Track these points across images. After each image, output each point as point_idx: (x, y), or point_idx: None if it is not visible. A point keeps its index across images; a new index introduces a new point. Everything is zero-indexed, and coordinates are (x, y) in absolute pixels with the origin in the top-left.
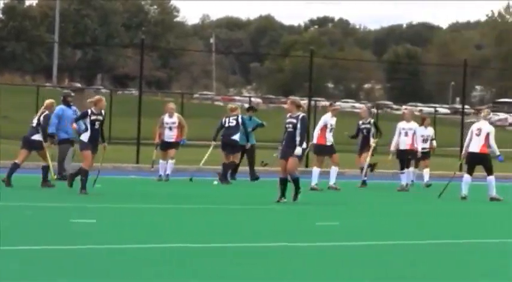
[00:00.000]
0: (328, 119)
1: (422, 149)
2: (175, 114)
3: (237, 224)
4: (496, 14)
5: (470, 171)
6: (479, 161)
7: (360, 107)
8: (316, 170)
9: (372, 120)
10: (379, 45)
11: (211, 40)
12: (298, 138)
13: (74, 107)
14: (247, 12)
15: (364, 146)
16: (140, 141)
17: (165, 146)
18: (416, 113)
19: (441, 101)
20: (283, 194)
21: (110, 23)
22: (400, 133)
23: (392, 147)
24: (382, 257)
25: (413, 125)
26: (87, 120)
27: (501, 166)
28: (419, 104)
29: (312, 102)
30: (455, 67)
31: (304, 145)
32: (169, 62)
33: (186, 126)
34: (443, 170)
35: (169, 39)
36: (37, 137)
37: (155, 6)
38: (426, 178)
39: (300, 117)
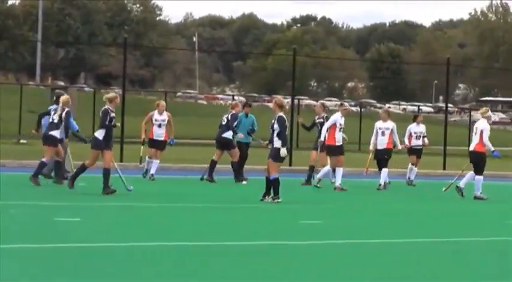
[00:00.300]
0: (338, 118)
1: (416, 146)
2: (165, 112)
3: (216, 222)
4: (479, 13)
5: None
6: (473, 159)
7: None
8: (339, 170)
9: (326, 115)
10: (361, 44)
11: (194, 39)
12: (278, 140)
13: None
14: (230, 10)
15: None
16: (124, 140)
17: (155, 144)
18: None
19: (424, 99)
20: (267, 193)
21: (92, 21)
22: (377, 133)
23: (371, 147)
24: (365, 255)
25: (390, 124)
26: (107, 118)
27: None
28: (402, 103)
29: (296, 101)
30: (439, 66)
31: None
32: (153, 61)
33: (172, 125)
34: (427, 168)
35: (152, 37)
36: (55, 133)
37: (138, 5)
38: (412, 176)
39: (277, 117)
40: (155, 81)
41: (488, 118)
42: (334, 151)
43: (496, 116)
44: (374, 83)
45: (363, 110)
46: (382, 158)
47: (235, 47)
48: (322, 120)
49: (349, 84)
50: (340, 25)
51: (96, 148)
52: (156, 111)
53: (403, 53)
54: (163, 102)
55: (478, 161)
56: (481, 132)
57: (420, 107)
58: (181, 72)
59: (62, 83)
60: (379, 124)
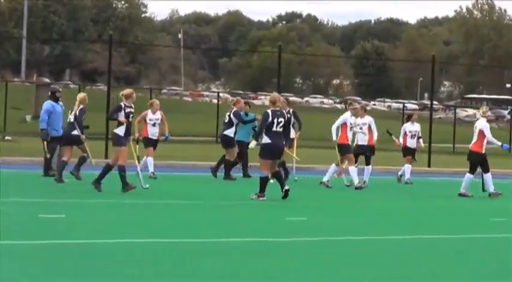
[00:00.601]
0: (348, 117)
1: (410, 145)
2: (159, 111)
3: (203, 220)
4: (464, 10)
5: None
6: (468, 158)
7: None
8: (353, 169)
9: (292, 110)
10: (347, 41)
11: (180, 36)
12: (265, 136)
13: (60, 103)
14: (216, 8)
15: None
16: (109, 137)
17: (151, 143)
18: (384, 109)
19: (409, 96)
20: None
21: (78, 18)
22: (356, 128)
23: (359, 142)
24: (357, 253)
25: (367, 119)
26: (122, 114)
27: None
28: (387, 100)
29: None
30: (424, 63)
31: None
32: (138, 58)
33: (166, 123)
34: (412, 166)
35: (137, 34)
36: (76, 132)
37: (123, 2)
38: (407, 175)
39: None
40: (140, 78)
41: (487, 117)
42: (346, 150)
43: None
44: (359, 80)
45: (365, 103)
46: (363, 154)
47: (221, 44)
48: (288, 115)
49: (334, 82)
50: (325, 22)
51: (122, 145)
52: (149, 111)
53: (388, 50)
54: (157, 101)
55: (472, 161)
56: (479, 132)
57: (405, 104)
58: (167, 69)
59: (47, 80)
60: (357, 120)
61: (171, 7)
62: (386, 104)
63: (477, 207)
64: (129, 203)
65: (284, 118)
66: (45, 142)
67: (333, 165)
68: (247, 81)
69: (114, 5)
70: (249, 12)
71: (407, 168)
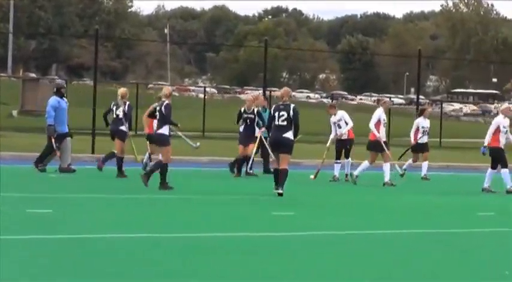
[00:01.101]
0: (381, 113)
1: (423, 140)
2: None
3: (188, 215)
4: (450, 4)
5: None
6: (490, 154)
7: (315, 97)
8: (387, 166)
9: (256, 109)
10: (333, 36)
11: (166, 30)
12: None
13: (65, 99)
14: (202, 3)
15: (249, 136)
16: (95, 131)
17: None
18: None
19: (396, 91)
20: (277, 184)
21: (64, 13)
22: (334, 126)
23: (332, 136)
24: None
25: (340, 114)
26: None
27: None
28: (374, 94)
29: (267, 92)
30: (410, 57)
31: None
32: (124, 53)
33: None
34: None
35: (124, 29)
36: (123, 127)
37: None
38: (424, 171)
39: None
40: (127, 73)
41: (506, 114)
42: (378, 147)
43: (468, 108)
44: (345, 75)
45: (334, 101)
46: (343, 148)
47: (207, 39)
48: (252, 116)
49: (321, 76)
50: (311, 17)
51: (167, 144)
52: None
53: (375, 44)
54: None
55: (493, 156)
56: (494, 126)
57: (391, 99)
58: (153, 64)
59: (33, 75)
60: (332, 119)
61: (157, 2)
62: (373, 99)
63: (463, 203)
64: (112, 197)
65: (287, 112)
66: (52, 138)
67: (365, 162)
68: (233, 76)
69: (100, 0)
70: (235, 7)
71: (424, 165)
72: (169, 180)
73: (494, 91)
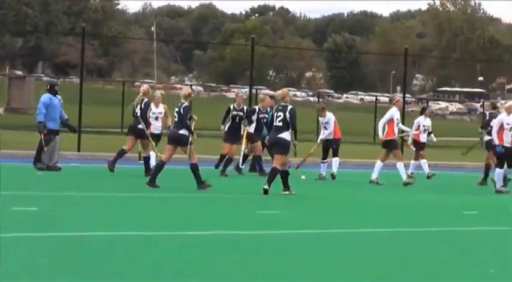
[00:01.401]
0: (394, 113)
1: (423, 139)
2: (161, 104)
3: (174, 213)
4: (437, 3)
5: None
6: (494, 153)
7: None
8: (401, 165)
9: (246, 107)
10: (319, 34)
11: (153, 28)
12: None
13: (59, 96)
14: (188, 2)
15: (236, 134)
16: (81, 129)
17: (153, 137)
18: (357, 101)
19: (382, 89)
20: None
21: (51, 10)
22: (322, 127)
23: (320, 136)
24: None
25: (328, 116)
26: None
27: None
28: (360, 93)
29: (254, 91)
30: (396, 56)
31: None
32: (111, 50)
33: (169, 116)
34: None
35: (110, 27)
36: (142, 126)
37: None
38: (426, 169)
39: None
40: (113, 71)
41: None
42: (393, 145)
43: (454, 107)
44: (332, 73)
45: (320, 100)
46: (329, 147)
47: (194, 37)
48: (242, 113)
49: (307, 74)
50: (297, 15)
51: (187, 144)
52: (152, 104)
53: (361, 43)
54: (158, 94)
55: (497, 156)
56: (496, 124)
57: (378, 97)
58: (140, 61)
59: (19, 72)
60: (320, 119)
61: (144, 0)
62: (359, 97)
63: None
64: (96, 196)
65: (284, 113)
66: (42, 134)
67: (378, 161)
68: (220, 73)
69: None
70: (222, 6)
71: (423, 163)
72: (160, 179)
73: (480, 90)
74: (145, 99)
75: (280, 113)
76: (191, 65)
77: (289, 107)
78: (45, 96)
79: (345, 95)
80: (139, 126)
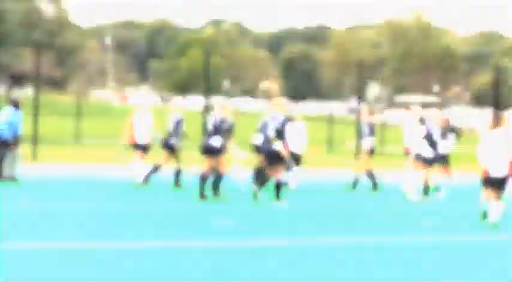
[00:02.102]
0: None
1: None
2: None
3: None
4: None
5: None
6: None
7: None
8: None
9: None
10: (275, 45)
11: (108, 39)
12: None
13: (20, 110)
14: (142, 17)
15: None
16: (37, 140)
17: (139, 147)
18: (311, 112)
19: (337, 99)
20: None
21: (5, 21)
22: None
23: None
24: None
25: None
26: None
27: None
28: (314, 103)
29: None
30: (352, 66)
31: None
32: (66, 61)
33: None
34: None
35: (65, 37)
36: (173, 140)
37: (51, 6)
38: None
39: None
40: (68, 82)
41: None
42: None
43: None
44: (287, 83)
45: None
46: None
47: (149, 48)
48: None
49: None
50: (252, 28)
51: (222, 155)
52: (137, 114)
53: (317, 53)
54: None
55: None
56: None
57: (332, 107)
58: (95, 72)
59: None
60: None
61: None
62: (314, 107)
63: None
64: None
65: (276, 123)
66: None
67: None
68: (175, 83)
69: (43, 9)
70: (177, 22)
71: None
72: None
73: (435, 99)
74: (177, 115)
75: (273, 123)
76: (147, 76)
77: (282, 117)
78: (7, 109)
79: (299, 105)
80: (171, 141)
